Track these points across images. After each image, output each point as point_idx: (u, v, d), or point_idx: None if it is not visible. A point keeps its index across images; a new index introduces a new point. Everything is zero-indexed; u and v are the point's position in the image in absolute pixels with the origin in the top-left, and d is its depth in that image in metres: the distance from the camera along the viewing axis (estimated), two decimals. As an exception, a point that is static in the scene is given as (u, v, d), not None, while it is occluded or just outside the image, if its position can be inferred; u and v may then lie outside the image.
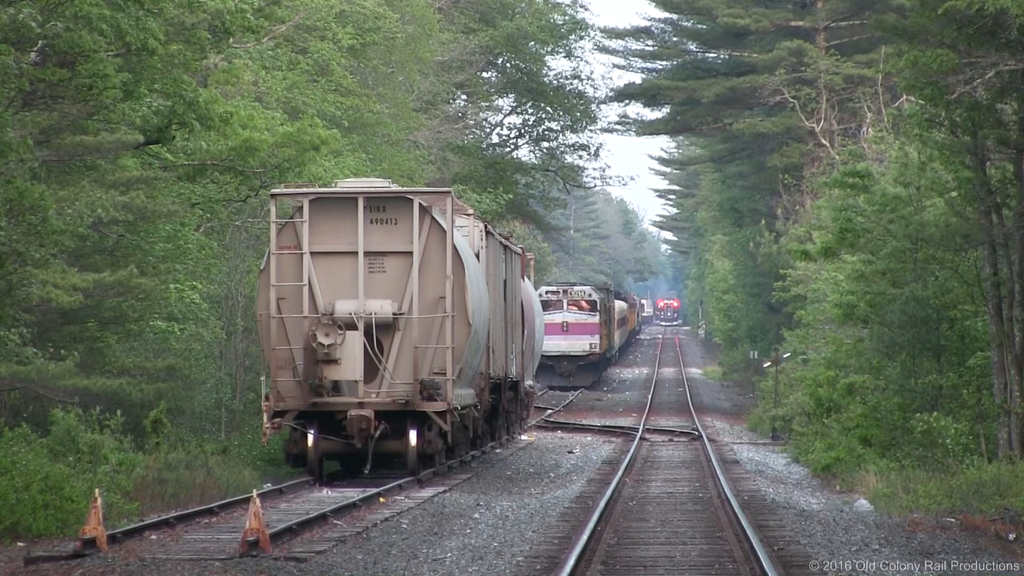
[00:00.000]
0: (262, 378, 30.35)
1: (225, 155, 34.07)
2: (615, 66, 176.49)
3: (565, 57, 77.41)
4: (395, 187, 31.15)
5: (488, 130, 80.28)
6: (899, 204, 34.17)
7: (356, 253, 29.26)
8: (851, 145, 57.22)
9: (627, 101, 75.11)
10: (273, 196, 29.72)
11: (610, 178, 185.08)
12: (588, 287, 78.03)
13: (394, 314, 29.10)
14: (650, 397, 68.96)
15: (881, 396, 34.40)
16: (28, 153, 24.71)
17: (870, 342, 36.86)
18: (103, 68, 26.01)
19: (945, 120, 29.63)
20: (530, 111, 78.67)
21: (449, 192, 29.97)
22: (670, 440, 45.93)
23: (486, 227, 34.20)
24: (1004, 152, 29.44)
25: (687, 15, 72.27)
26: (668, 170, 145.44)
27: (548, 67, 77.28)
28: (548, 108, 77.65)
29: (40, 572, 17.99)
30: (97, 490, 20.46)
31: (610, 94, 76.26)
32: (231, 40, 33.90)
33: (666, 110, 74.52)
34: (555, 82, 77.25)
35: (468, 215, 33.98)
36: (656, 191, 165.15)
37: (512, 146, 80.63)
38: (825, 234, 39.42)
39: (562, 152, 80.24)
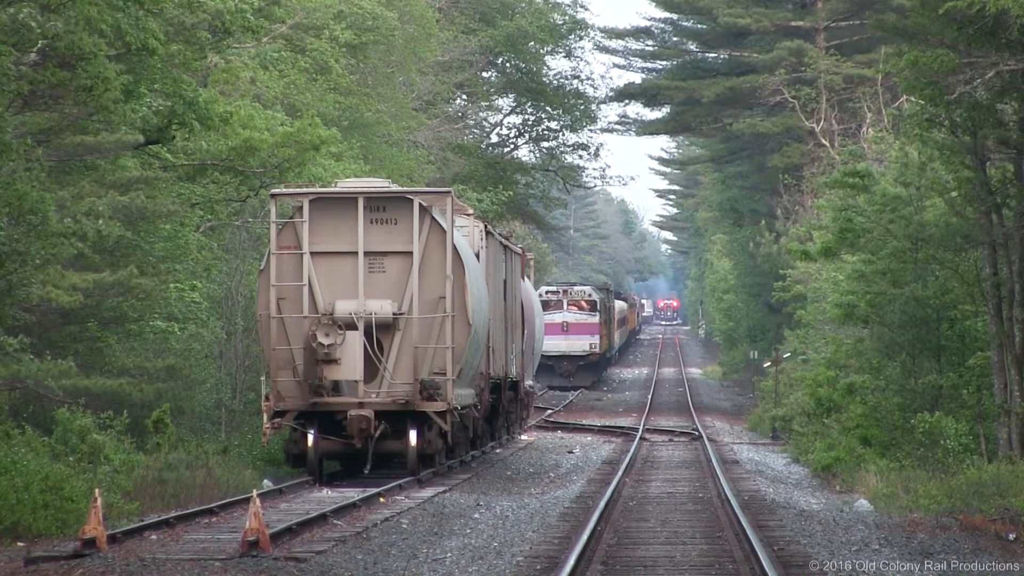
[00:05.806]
0: (262, 378, 30.34)
1: (225, 155, 34.08)
2: (615, 66, 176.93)
3: (565, 57, 77.56)
4: (395, 187, 31.13)
5: (488, 130, 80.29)
6: (899, 204, 34.17)
7: (356, 253, 29.24)
8: (851, 145, 57.18)
9: (627, 101, 75.18)
10: (273, 196, 29.71)
11: (610, 178, 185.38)
12: (588, 287, 77.96)
13: (394, 314, 29.09)
14: (650, 397, 68.92)
15: (881, 396, 34.39)
16: (24, 156, 24.64)
17: (870, 342, 36.86)
18: (103, 71, 26.00)
19: (945, 120, 29.63)
20: (530, 111, 78.70)
21: (449, 192, 29.96)
22: (670, 440, 45.92)
23: (486, 227, 34.19)
24: (1004, 152, 29.44)
25: (687, 15, 72.27)
26: (668, 170, 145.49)
27: (548, 67, 77.42)
28: (548, 108, 77.68)
29: (40, 572, 17.97)
30: (97, 490, 20.45)
31: (610, 94, 76.40)
32: (231, 40, 33.89)
33: (666, 110, 74.57)
34: (555, 82, 77.29)
35: (468, 215, 33.98)
36: (656, 191, 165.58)
37: (512, 146, 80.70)
38: (825, 234, 39.41)
39: (562, 152, 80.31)
